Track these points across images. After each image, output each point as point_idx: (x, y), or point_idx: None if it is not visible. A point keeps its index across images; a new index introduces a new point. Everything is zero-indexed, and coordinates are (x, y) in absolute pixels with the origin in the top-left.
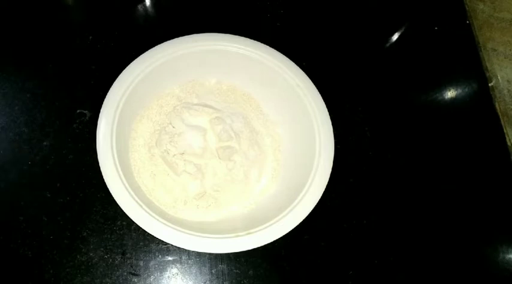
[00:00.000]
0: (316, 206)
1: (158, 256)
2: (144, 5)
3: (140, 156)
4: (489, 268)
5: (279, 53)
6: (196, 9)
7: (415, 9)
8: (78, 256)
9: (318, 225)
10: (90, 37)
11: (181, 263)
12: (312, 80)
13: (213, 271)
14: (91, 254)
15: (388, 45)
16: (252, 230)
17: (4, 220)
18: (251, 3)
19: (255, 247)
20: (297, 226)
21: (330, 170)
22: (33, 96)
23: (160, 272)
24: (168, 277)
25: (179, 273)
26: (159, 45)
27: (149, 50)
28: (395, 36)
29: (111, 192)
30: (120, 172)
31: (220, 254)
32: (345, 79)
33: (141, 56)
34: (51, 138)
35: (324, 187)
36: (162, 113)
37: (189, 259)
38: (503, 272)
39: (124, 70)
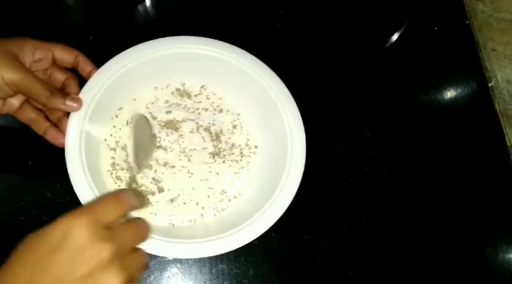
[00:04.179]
0: (316, 206)
1: (158, 255)
2: (144, 5)
3: (111, 161)
4: (489, 268)
5: (253, 56)
6: (196, 9)
7: (415, 9)
8: None
9: (318, 225)
10: (90, 37)
11: (181, 263)
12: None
13: (213, 270)
14: None
15: (388, 45)
16: (222, 235)
17: (4, 220)
18: (251, 3)
19: (227, 251)
20: (297, 226)
21: (301, 176)
22: None
23: (160, 272)
24: (168, 276)
25: (179, 273)
26: (126, 51)
27: (121, 53)
28: (395, 36)
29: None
30: (89, 177)
31: (221, 254)
32: (345, 79)
33: (114, 57)
34: None
35: (296, 189)
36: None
37: (189, 259)
38: (503, 272)
39: (96, 71)
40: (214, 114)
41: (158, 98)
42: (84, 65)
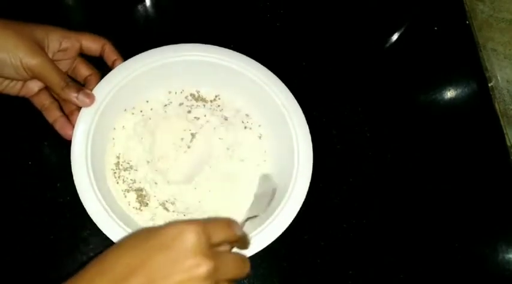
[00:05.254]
0: (316, 206)
1: None
2: (144, 5)
3: (116, 160)
4: (489, 268)
5: (270, 72)
6: (196, 9)
7: (415, 9)
8: (78, 256)
9: (318, 225)
10: None
11: None
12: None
13: None
14: (91, 254)
15: (388, 45)
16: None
17: (4, 220)
18: (252, 3)
19: None
20: (297, 226)
21: (305, 193)
22: None
23: None
24: None
25: None
26: (138, 55)
27: (138, 55)
28: (395, 36)
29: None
30: (91, 174)
31: None
32: (345, 79)
33: (131, 58)
34: (51, 138)
35: (300, 205)
36: (146, 124)
37: None
38: (503, 272)
39: (112, 70)
40: (227, 126)
41: (171, 101)
42: (110, 53)
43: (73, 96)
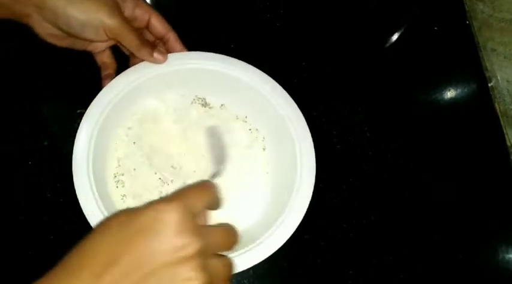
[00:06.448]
0: (316, 206)
1: None
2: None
3: (117, 163)
4: (489, 268)
5: (276, 82)
6: (196, 9)
7: (415, 9)
8: None
9: (318, 225)
10: None
11: None
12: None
13: None
14: None
15: (388, 45)
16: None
17: (4, 220)
18: (251, 3)
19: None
20: (297, 226)
21: (308, 202)
22: (34, 96)
23: None
24: None
25: None
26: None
27: (138, 64)
28: (395, 36)
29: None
30: (92, 180)
31: None
32: (345, 79)
33: (133, 67)
34: (51, 138)
35: (301, 217)
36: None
37: None
38: (503, 272)
39: (111, 81)
40: (229, 133)
41: (175, 108)
42: (175, 44)
43: (149, 53)
